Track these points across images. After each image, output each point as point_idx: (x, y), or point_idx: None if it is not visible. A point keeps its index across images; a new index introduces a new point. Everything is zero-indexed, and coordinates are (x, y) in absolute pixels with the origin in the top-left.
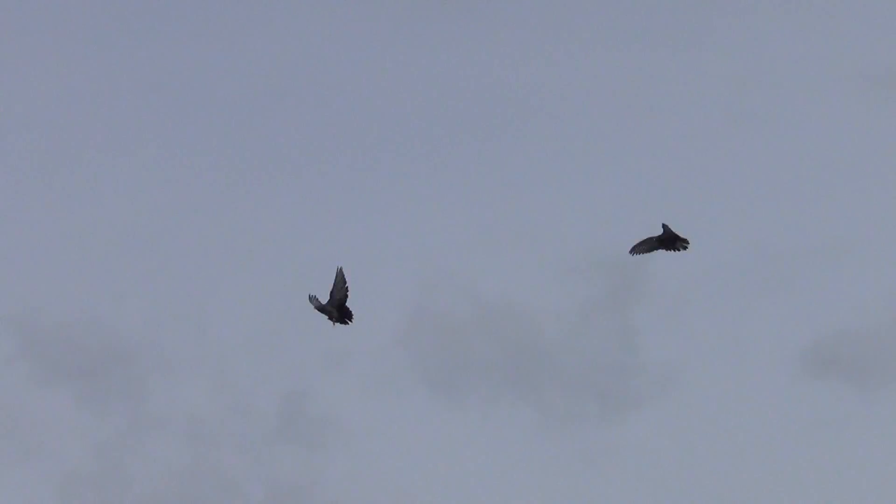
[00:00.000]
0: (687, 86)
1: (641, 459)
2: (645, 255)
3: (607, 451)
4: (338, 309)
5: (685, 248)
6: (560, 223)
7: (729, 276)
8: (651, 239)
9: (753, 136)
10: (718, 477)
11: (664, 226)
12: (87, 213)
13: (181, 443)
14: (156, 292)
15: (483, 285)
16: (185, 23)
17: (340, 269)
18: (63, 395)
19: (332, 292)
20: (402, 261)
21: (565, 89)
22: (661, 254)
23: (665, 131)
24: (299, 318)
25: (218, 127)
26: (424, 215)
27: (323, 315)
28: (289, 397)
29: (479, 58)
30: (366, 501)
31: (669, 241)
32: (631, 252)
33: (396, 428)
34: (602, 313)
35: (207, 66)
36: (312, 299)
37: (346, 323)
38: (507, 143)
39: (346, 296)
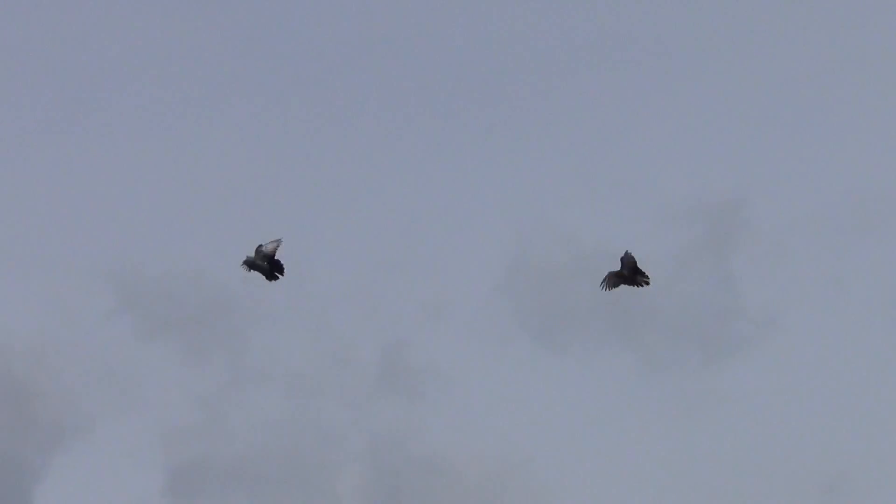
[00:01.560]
0: (787, 31)
1: (743, 403)
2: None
3: (709, 395)
4: (269, 262)
5: (647, 283)
6: (658, 170)
7: (829, 219)
8: (612, 275)
9: (855, 81)
10: (819, 419)
11: (625, 258)
12: (185, 167)
13: (282, 394)
14: (252, 242)
15: (582, 233)
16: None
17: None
18: (165, 348)
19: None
20: (500, 210)
21: (664, 37)
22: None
23: (764, 76)
24: (398, 268)
25: (320, 80)
26: (522, 165)
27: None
28: (389, 348)
29: (579, 6)
30: (467, 450)
31: (630, 278)
32: (601, 287)
33: (497, 376)
34: (701, 258)
35: (323, 17)
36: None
37: (276, 278)
38: (603, 91)
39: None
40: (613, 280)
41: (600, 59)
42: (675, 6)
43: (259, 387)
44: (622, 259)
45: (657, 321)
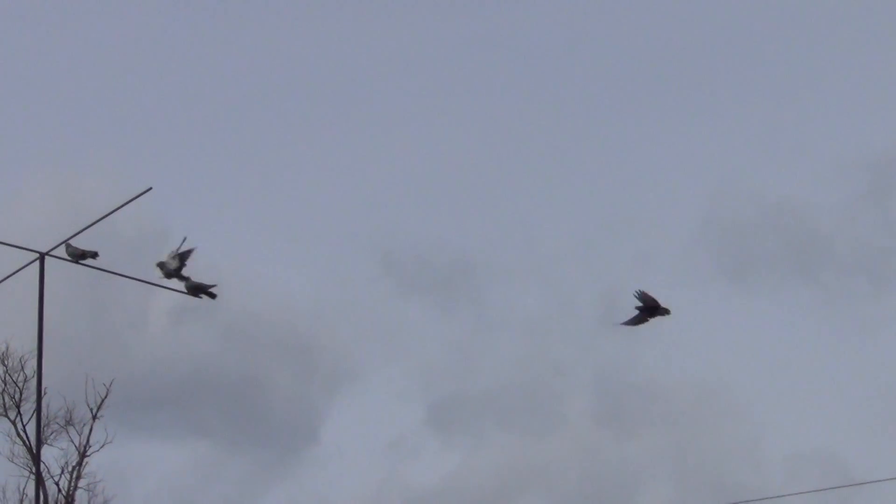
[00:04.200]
0: None
1: None
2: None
3: (879, 322)
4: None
5: (668, 313)
6: (827, 131)
7: None
8: (636, 316)
9: None
10: None
11: (640, 294)
12: (430, 156)
13: (518, 336)
14: (490, 212)
15: (764, 188)
16: None
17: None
18: (420, 303)
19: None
20: (693, 172)
21: (825, 8)
22: None
23: None
24: (611, 226)
25: (556, 71)
26: (710, 133)
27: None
28: (606, 293)
29: None
30: (675, 376)
31: (650, 310)
32: (623, 324)
33: (698, 314)
34: (867, 205)
35: None
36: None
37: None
38: (779, 59)
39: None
40: (637, 319)
41: (780, 32)
42: None
43: (499, 331)
44: (641, 300)
45: (830, 261)
